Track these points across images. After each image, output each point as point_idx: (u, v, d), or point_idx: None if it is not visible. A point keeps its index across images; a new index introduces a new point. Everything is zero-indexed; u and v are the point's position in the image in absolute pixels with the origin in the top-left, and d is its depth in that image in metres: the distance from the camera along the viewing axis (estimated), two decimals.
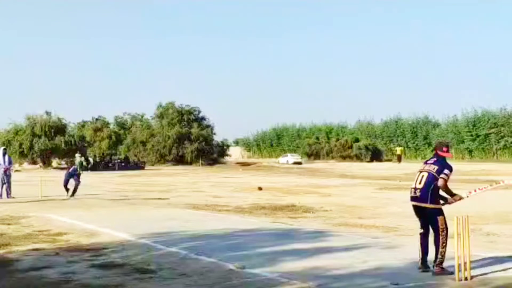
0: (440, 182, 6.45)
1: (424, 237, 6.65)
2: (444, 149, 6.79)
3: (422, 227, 6.68)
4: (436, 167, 6.56)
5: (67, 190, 17.68)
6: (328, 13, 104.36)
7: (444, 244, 6.43)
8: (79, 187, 17.71)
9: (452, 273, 6.15)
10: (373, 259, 7.20)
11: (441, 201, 6.60)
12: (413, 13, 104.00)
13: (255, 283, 5.97)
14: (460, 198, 6.65)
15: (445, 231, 6.45)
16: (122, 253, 7.89)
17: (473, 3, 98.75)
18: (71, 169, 18.53)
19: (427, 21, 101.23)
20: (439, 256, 6.41)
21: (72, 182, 17.69)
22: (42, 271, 6.71)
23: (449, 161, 6.71)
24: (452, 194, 6.61)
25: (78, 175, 17.95)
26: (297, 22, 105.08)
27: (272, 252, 7.83)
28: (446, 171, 6.50)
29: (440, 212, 6.53)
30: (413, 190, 6.64)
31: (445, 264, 6.40)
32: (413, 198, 6.65)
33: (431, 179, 6.50)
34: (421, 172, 6.67)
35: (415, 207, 6.67)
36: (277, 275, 6.30)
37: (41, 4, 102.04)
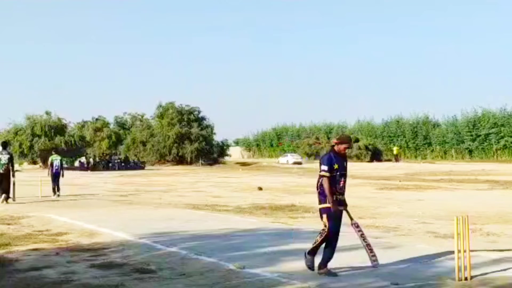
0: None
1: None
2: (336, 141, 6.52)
3: None
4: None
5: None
6: (328, 13, 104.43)
7: (316, 241, 6.53)
8: None
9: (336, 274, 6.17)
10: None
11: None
12: (412, 13, 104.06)
13: (255, 283, 5.96)
14: (331, 203, 6.61)
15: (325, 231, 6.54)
16: (122, 253, 7.88)
17: (473, 2, 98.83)
18: None
19: (427, 21, 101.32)
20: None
21: None
22: (42, 271, 6.70)
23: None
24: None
25: None
26: (297, 22, 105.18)
27: (272, 252, 7.83)
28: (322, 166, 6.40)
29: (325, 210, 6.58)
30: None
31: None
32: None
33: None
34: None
35: None
36: (277, 275, 6.29)
37: (42, 4, 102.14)
